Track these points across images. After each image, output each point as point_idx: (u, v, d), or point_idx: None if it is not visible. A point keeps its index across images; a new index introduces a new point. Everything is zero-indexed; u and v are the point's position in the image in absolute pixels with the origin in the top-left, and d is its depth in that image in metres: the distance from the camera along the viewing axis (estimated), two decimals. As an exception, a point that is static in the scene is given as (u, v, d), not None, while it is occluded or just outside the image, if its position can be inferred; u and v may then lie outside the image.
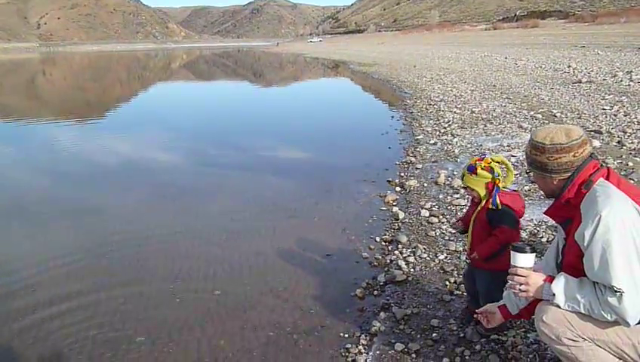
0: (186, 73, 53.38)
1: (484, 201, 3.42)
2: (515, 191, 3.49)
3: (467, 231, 3.65)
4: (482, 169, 3.34)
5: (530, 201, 6.18)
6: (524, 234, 5.26)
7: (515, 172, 7.39)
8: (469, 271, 3.76)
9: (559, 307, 2.51)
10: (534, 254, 2.64)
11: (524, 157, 2.78)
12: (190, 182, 8.93)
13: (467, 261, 3.96)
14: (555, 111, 11.54)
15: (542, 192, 2.82)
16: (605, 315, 2.38)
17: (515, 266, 2.63)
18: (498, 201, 3.32)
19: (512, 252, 2.66)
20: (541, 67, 21.88)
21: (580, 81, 15.84)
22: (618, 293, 2.31)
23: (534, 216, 5.70)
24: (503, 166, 3.39)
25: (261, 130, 14.39)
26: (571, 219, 2.58)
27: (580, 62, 22.11)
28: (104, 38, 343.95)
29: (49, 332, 4.22)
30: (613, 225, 2.32)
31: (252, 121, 16.54)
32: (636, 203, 2.41)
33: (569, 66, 20.52)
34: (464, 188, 3.60)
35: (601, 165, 2.59)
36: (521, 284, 2.61)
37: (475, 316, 3.19)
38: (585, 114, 10.91)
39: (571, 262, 2.57)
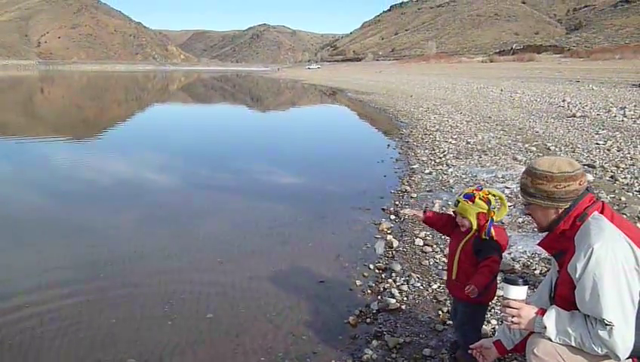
0: (183, 96, 53.62)
1: (472, 231, 3.42)
2: (500, 225, 3.50)
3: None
4: (480, 199, 3.34)
5: (523, 233, 6.23)
6: (517, 266, 5.29)
7: (509, 204, 7.44)
8: (454, 306, 3.76)
9: (550, 340, 2.53)
10: (527, 287, 2.66)
11: (521, 189, 2.79)
12: (185, 204, 8.93)
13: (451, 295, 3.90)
14: (549, 144, 11.67)
15: (535, 225, 2.84)
16: (596, 349, 2.39)
17: (507, 298, 2.65)
18: (493, 233, 3.33)
19: (504, 284, 2.67)
20: (536, 100, 22.15)
21: (574, 116, 16.04)
22: (609, 327, 2.33)
23: (528, 248, 5.73)
24: (498, 200, 3.42)
25: (257, 154, 14.45)
26: (564, 251, 2.61)
27: (574, 96, 22.40)
28: (104, 59, 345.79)
29: (38, 351, 4.19)
30: (604, 258, 2.36)
31: (248, 145, 16.60)
32: (629, 237, 2.44)
33: (564, 100, 20.78)
34: (454, 214, 3.58)
35: (597, 199, 2.63)
36: (513, 316, 2.62)
37: (470, 351, 3.20)
38: (579, 148, 11.03)
39: (564, 294, 2.59)
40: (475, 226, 3.38)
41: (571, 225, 2.59)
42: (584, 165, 9.39)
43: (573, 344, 2.47)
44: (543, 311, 2.58)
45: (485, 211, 3.33)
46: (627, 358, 2.40)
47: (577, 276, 2.43)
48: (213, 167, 12.63)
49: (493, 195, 3.38)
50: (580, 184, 2.59)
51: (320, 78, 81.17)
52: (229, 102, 45.13)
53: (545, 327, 2.52)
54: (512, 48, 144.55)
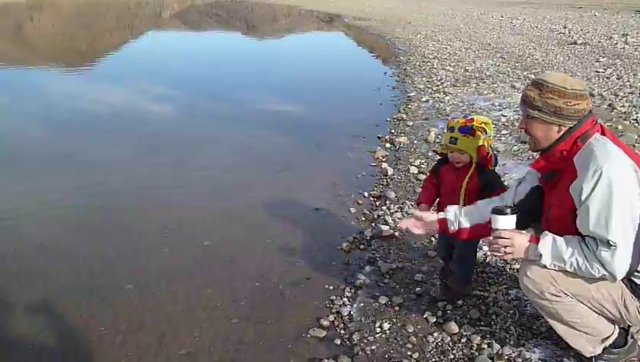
0: (177, 23, 52.18)
1: (474, 166, 3.27)
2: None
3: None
4: (477, 130, 3.17)
5: (518, 161, 6.23)
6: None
7: (505, 132, 7.41)
8: (446, 242, 3.62)
9: (545, 267, 2.54)
10: (516, 215, 2.61)
11: (524, 101, 2.62)
12: (180, 133, 8.87)
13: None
14: (548, 72, 11.48)
15: (529, 145, 2.76)
16: (593, 271, 2.41)
17: (497, 229, 2.60)
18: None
19: (492, 215, 2.62)
20: (537, 27, 21.67)
21: (575, 43, 15.74)
22: (613, 247, 2.35)
23: (522, 175, 5.72)
24: (485, 125, 3.25)
25: (253, 83, 14.18)
26: (557, 172, 2.60)
27: (576, 23, 21.94)
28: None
29: (36, 278, 4.27)
30: (614, 180, 2.35)
31: (244, 74, 16.28)
32: (632, 161, 2.44)
33: (565, 27, 20.35)
34: (446, 154, 3.36)
35: (597, 121, 2.59)
36: (505, 247, 2.59)
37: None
38: (578, 75, 10.88)
39: (560, 214, 2.59)
40: (475, 160, 3.24)
41: (572, 146, 2.54)
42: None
43: (568, 269, 2.48)
44: (536, 239, 2.57)
45: (482, 141, 3.20)
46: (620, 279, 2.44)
47: (583, 197, 2.40)
48: (208, 96, 12.41)
49: (484, 122, 3.24)
50: (587, 105, 2.54)
51: (316, 2, 78.79)
52: (223, 29, 44.04)
53: (540, 255, 2.51)
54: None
